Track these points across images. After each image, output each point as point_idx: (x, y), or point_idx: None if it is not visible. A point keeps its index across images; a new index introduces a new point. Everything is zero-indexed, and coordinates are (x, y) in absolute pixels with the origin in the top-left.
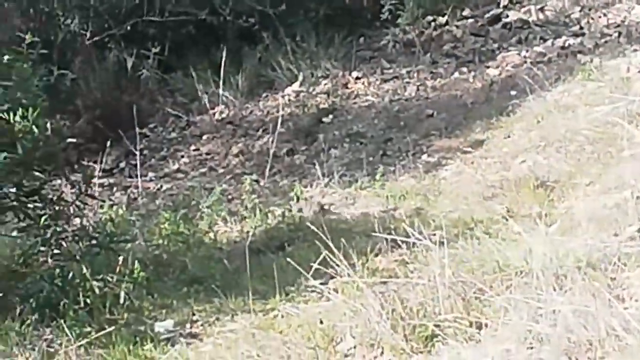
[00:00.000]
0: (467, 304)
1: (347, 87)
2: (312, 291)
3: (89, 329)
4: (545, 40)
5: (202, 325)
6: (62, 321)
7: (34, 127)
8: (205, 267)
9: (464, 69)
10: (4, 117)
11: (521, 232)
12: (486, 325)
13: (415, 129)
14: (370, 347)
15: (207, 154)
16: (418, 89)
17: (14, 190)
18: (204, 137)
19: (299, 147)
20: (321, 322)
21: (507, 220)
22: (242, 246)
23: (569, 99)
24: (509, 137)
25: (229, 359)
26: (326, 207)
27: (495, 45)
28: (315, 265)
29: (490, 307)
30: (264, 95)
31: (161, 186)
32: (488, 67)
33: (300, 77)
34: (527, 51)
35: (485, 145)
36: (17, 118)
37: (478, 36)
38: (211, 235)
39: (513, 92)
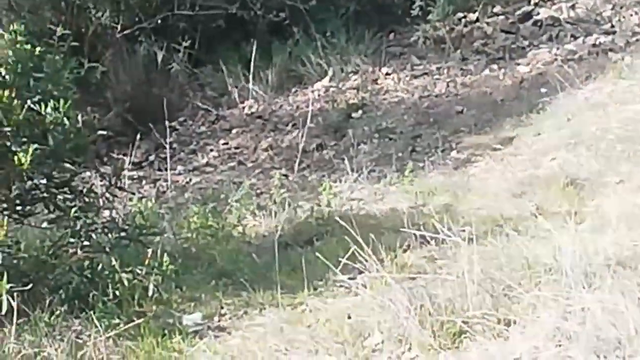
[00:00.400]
0: (496, 301)
1: (376, 83)
2: (340, 286)
3: (117, 320)
4: (576, 38)
5: (230, 318)
6: (91, 312)
7: (65, 119)
8: (234, 261)
9: (494, 66)
10: (35, 108)
11: (551, 229)
12: (515, 322)
13: (444, 125)
14: (398, 343)
15: (236, 148)
16: (448, 86)
17: (44, 181)
18: (233, 131)
19: (328, 142)
20: (349, 317)
21: (536, 217)
22: (270, 240)
23: (600, 97)
24: (539, 134)
25: (257, 352)
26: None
27: (526, 43)
28: (344, 260)
29: (518, 304)
30: (294, 90)
31: (190, 180)
32: (518, 64)
33: (330, 73)
34: (557, 49)
35: (515, 143)
36: (49, 110)
37: (509, 33)
38: (240, 229)
39: (543, 90)
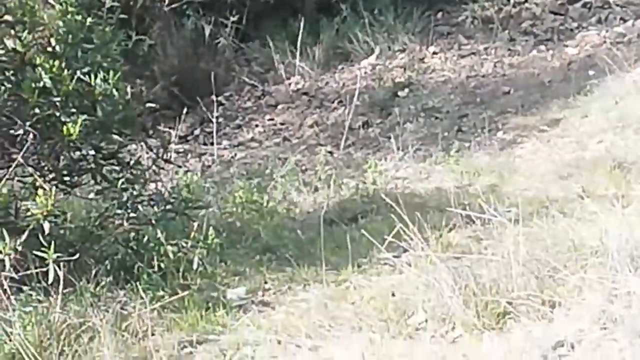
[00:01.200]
0: (541, 282)
1: (423, 62)
2: (385, 264)
3: (162, 292)
4: (625, 21)
5: (274, 293)
6: (136, 284)
7: (114, 90)
8: (278, 236)
9: (542, 47)
10: (84, 79)
11: (597, 212)
12: (559, 304)
13: (491, 105)
14: (442, 322)
15: (282, 124)
16: (495, 66)
17: (92, 152)
18: (279, 107)
19: (374, 120)
20: (393, 295)
21: (582, 199)
22: (315, 217)
23: None
24: (586, 117)
25: (301, 328)
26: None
27: (575, 25)
28: (389, 238)
29: (564, 286)
30: (340, 67)
31: (235, 154)
32: (567, 46)
33: (377, 51)
34: (606, 31)
35: (561, 125)
36: (98, 81)
37: (557, 14)
38: (285, 205)
39: (591, 72)
